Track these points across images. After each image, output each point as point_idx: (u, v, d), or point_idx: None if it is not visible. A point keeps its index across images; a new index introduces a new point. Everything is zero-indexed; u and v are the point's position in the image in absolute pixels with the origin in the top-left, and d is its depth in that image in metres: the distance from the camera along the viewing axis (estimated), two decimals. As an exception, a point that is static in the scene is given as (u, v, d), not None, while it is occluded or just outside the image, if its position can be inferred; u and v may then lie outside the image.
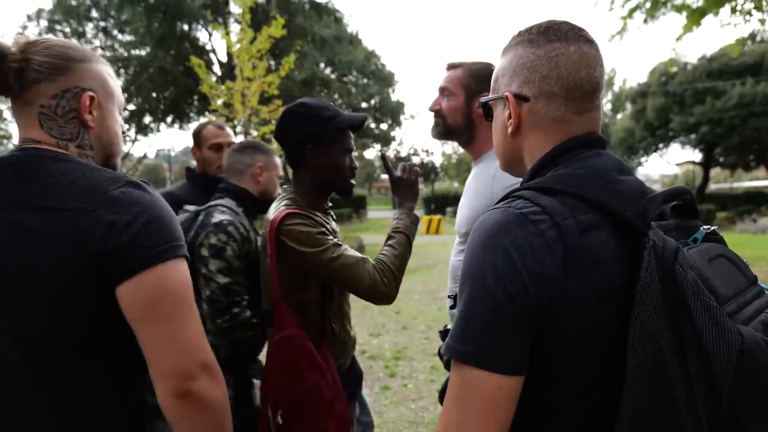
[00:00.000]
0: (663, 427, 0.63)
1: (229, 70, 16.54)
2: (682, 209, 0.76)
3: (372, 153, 48.78)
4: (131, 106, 20.34)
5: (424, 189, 37.74)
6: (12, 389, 0.85)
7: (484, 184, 1.50)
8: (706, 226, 0.74)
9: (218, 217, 1.71)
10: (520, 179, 0.90)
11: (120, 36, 22.28)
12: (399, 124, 38.76)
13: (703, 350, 0.61)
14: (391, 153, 39.62)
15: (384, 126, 37.65)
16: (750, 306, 0.69)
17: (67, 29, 21.77)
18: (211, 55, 19.86)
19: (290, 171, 1.65)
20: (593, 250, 0.68)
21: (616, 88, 40.33)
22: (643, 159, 33.32)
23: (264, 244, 1.49)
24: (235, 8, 16.02)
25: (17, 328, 0.84)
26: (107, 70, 1.01)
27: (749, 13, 6.54)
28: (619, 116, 37.87)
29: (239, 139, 12.94)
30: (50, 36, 0.98)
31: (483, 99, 0.93)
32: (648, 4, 6.87)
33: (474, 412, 0.67)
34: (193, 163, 2.47)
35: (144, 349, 0.86)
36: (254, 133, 12.15)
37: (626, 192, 0.74)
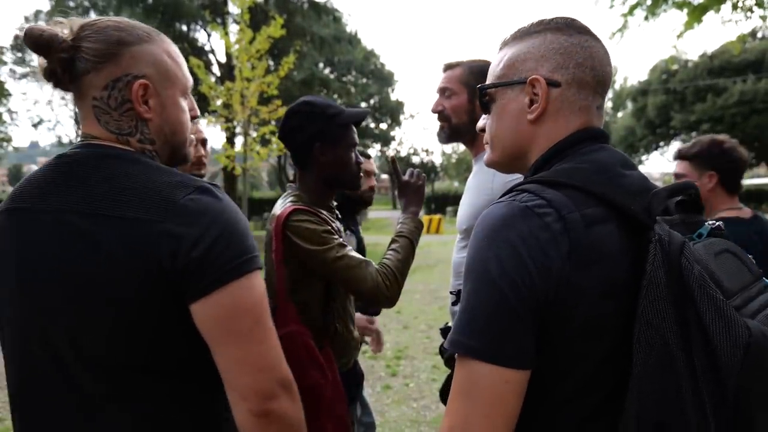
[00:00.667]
0: (669, 422, 0.62)
1: (228, 71, 16.55)
2: (687, 204, 0.76)
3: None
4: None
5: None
6: (79, 408, 0.81)
7: (484, 181, 1.50)
8: (711, 221, 0.74)
9: None
10: (518, 175, 0.90)
11: (119, 37, 22.28)
12: (398, 123, 38.83)
13: (710, 344, 0.60)
14: (390, 153, 39.64)
15: (383, 125, 37.69)
16: (755, 301, 0.69)
17: (67, 30, 21.76)
18: (210, 56, 19.86)
19: (290, 171, 1.65)
20: (599, 244, 0.67)
21: (617, 86, 40.33)
22: (644, 157, 33.34)
23: (269, 240, 1.49)
24: (233, 8, 16.04)
25: (79, 344, 0.79)
26: (166, 50, 0.89)
27: (750, 9, 6.52)
28: (620, 114, 37.93)
29: (239, 139, 12.93)
30: (102, 17, 0.88)
31: (495, 82, 0.85)
32: (649, 1, 6.85)
33: (481, 408, 0.66)
34: None
35: (220, 368, 0.80)
36: (254, 133, 12.14)
37: (631, 186, 0.73)
